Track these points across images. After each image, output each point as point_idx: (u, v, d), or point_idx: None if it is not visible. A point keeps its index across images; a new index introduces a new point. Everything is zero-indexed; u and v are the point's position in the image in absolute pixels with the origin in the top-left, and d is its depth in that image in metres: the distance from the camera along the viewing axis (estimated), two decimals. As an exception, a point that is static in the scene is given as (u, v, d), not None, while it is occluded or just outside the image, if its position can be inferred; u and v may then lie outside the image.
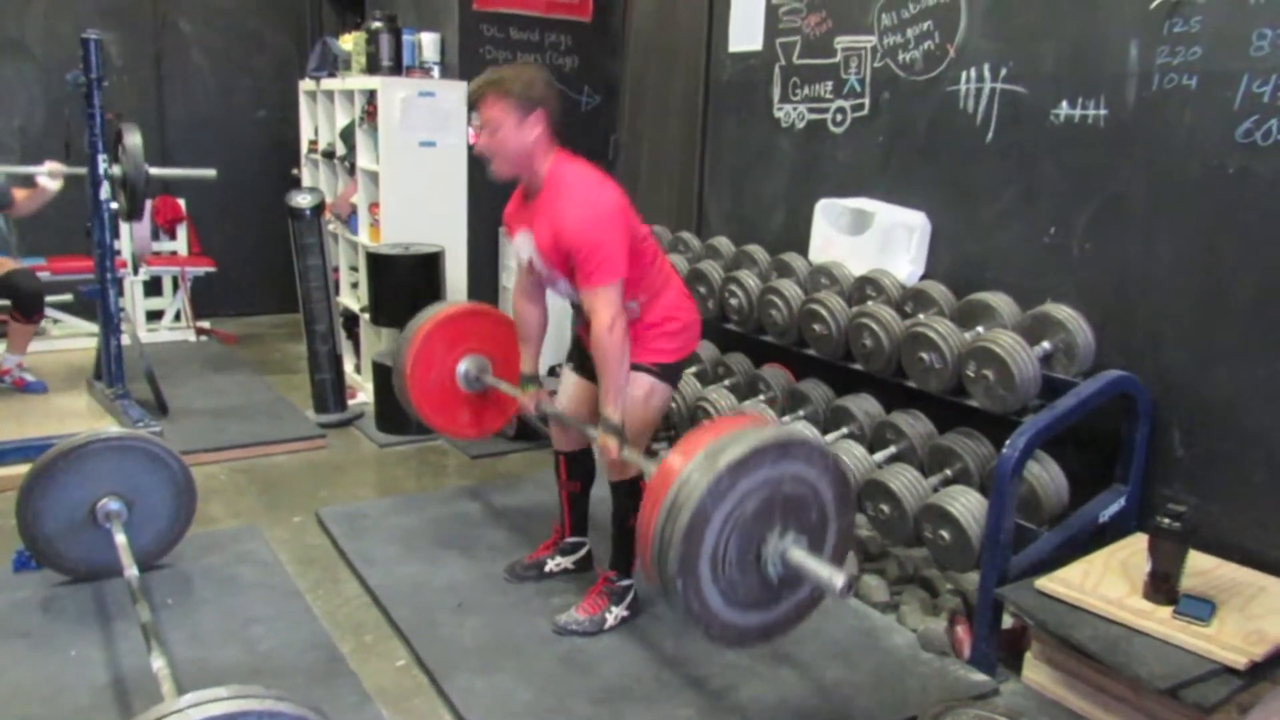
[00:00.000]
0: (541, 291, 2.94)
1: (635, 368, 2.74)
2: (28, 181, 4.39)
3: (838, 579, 1.94)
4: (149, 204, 6.19)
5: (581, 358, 2.95)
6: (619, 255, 2.52)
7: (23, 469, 2.93)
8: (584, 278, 2.54)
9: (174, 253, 6.40)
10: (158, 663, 2.13)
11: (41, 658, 2.61)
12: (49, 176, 4.29)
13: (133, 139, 4.13)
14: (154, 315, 6.24)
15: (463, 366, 3.39)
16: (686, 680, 2.63)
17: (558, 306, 3.04)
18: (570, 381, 3.03)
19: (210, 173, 4.61)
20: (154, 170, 4.23)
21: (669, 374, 2.81)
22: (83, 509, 2.87)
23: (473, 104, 2.66)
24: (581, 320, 2.85)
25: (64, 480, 2.83)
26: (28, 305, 4.57)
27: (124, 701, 2.44)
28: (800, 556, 2.01)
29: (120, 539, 2.75)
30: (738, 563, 2.00)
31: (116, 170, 4.17)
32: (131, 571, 2.57)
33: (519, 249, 2.78)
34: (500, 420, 3.59)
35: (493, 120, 2.57)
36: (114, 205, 4.24)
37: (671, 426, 4.06)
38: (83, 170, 4.18)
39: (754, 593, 2.06)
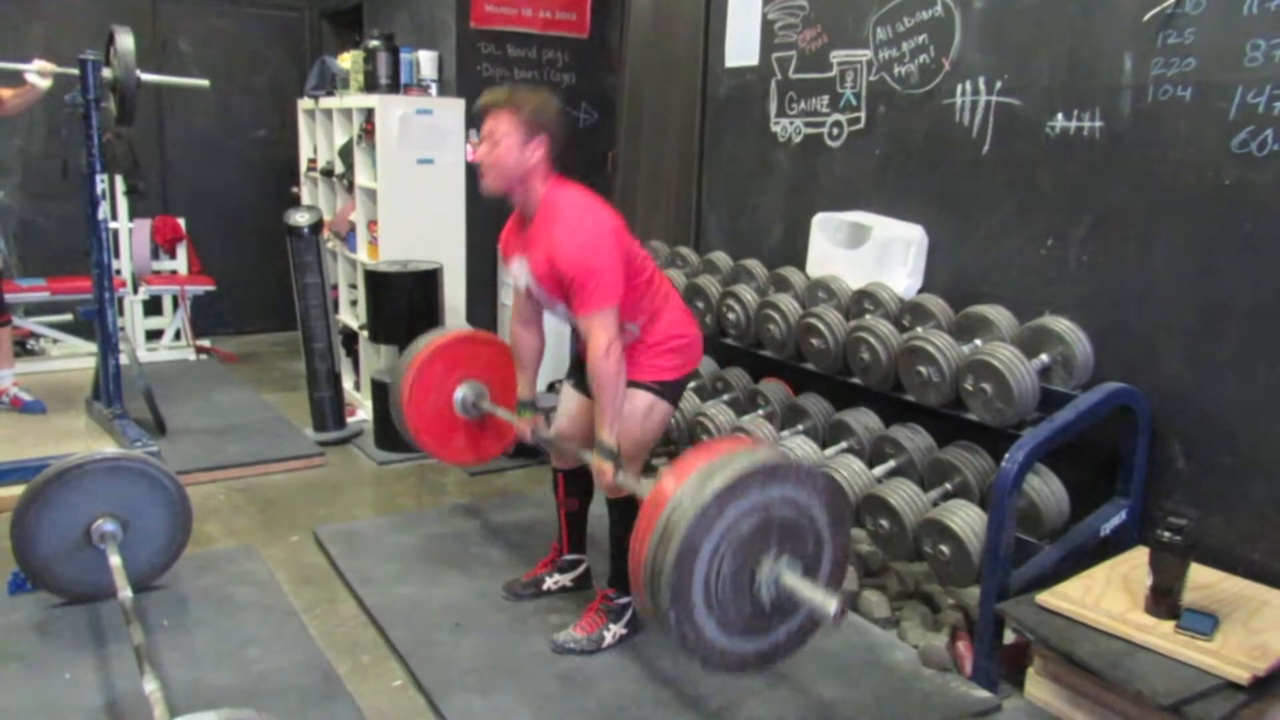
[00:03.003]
0: (539, 318, 2.94)
1: (635, 385, 2.74)
2: (16, 80, 4.22)
3: (830, 605, 1.93)
4: (148, 223, 6.22)
5: (581, 374, 2.94)
6: (613, 280, 2.53)
7: (20, 490, 2.90)
8: (579, 303, 2.55)
9: (174, 271, 6.41)
10: (150, 686, 2.11)
11: (36, 681, 2.59)
12: (39, 74, 4.14)
13: (124, 41, 4.00)
14: (154, 334, 6.24)
15: (460, 392, 3.40)
16: (685, 699, 2.61)
17: (555, 323, 3.03)
18: (570, 398, 3.02)
19: (204, 83, 4.52)
20: (145, 76, 4.08)
21: (670, 392, 2.80)
22: (78, 530, 2.86)
23: (480, 116, 2.66)
24: (580, 340, 2.85)
25: (59, 502, 2.82)
26: None
27: (118, 725, 2.43)
28: (793, 581, 2.00)
29: (115, 560, 2.73)
30: (731, 589, 1.99)
31: (108, 74, 4.05)
32: (126, 593, 2.55)
33: (516, 275, 2.79)
34: (498, 446, 3.59)
35: (496, 133, 2.58)
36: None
37: (671, 442, 4.05)
38: (74, 71, 4.06)
39: (749, 619, 2.05)
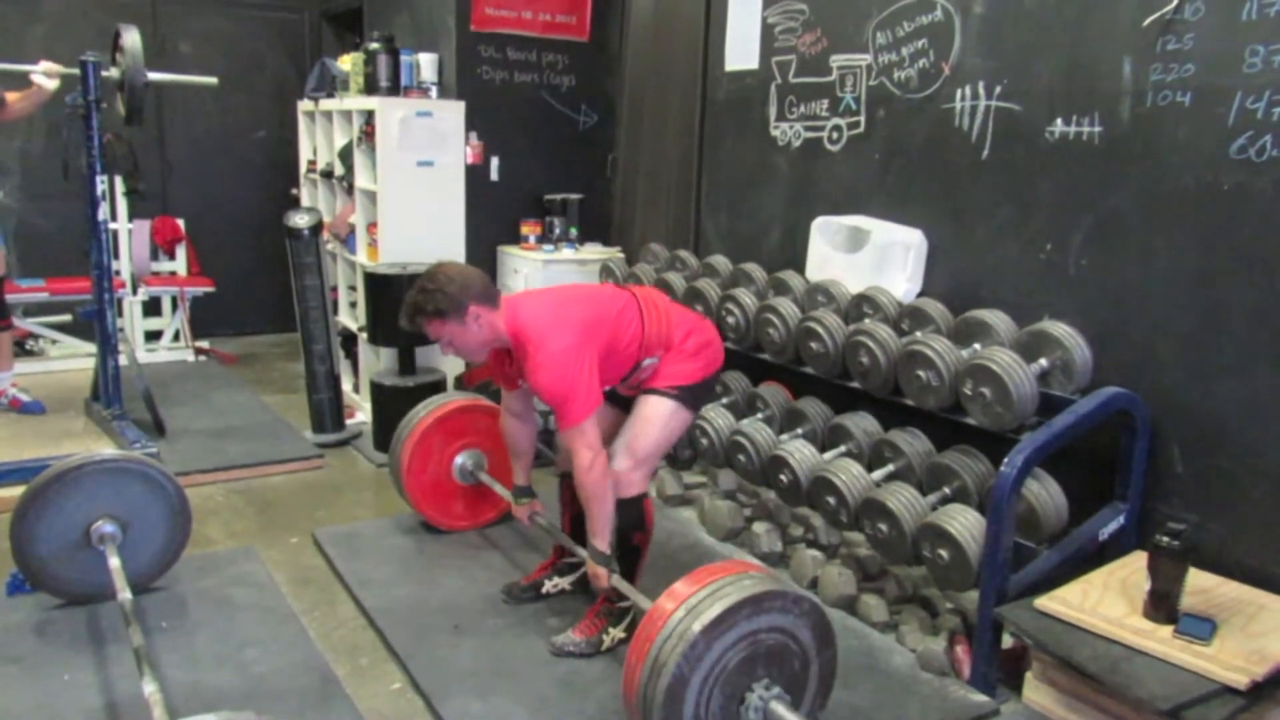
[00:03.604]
0: (529, 409, 3.06)
1: (656, 392, 2.81)
2: (22, 82, 4.12)
3: None
4: (148, 224, 6.22)
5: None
6: (586, 395, 2.62)
7: (19, 490, 2.91)
8: (559, 421, 2.68)
9: (173, 273, 6.41)
10: (149, 687, 2.11)
11: (34, 682, 2.59)
12: (45, 75, 4.03)
13: (131, 38, 3.96)
14: (153, 335, 6.24)
15: (459, 460, 3.48)
16: (684, 702, 2.61)
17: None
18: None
19: (212, 80, 4.49)
20: (153, 75, 4.06)
21: (690, 396, 2.84)
22: (77, 531, 2.86)
23: (418, 330, 2.75)
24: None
25: (58, 503, 2.83)
26: None
27: (116, 727, 2.43)
28: (781, 710, 2.10)
29: (114, 562, 2.74)
30: (721, 718, 2.09)
31: (114, 73, 4.02)
32: (125, 595, 2.56)
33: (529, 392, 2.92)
34: (494, 513, 3.67)
35: (442, 338, 2.72)
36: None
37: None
38: (79, 71, 4.00)
39: None
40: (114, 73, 4.05)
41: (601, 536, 2.71)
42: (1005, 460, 2.61)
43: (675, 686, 2.01)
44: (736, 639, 2.08)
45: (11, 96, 4.15)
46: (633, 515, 2.79)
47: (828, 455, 3.37)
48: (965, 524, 2.76)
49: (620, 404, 2.92)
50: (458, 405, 3.52)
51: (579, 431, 2.61)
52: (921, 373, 3.01)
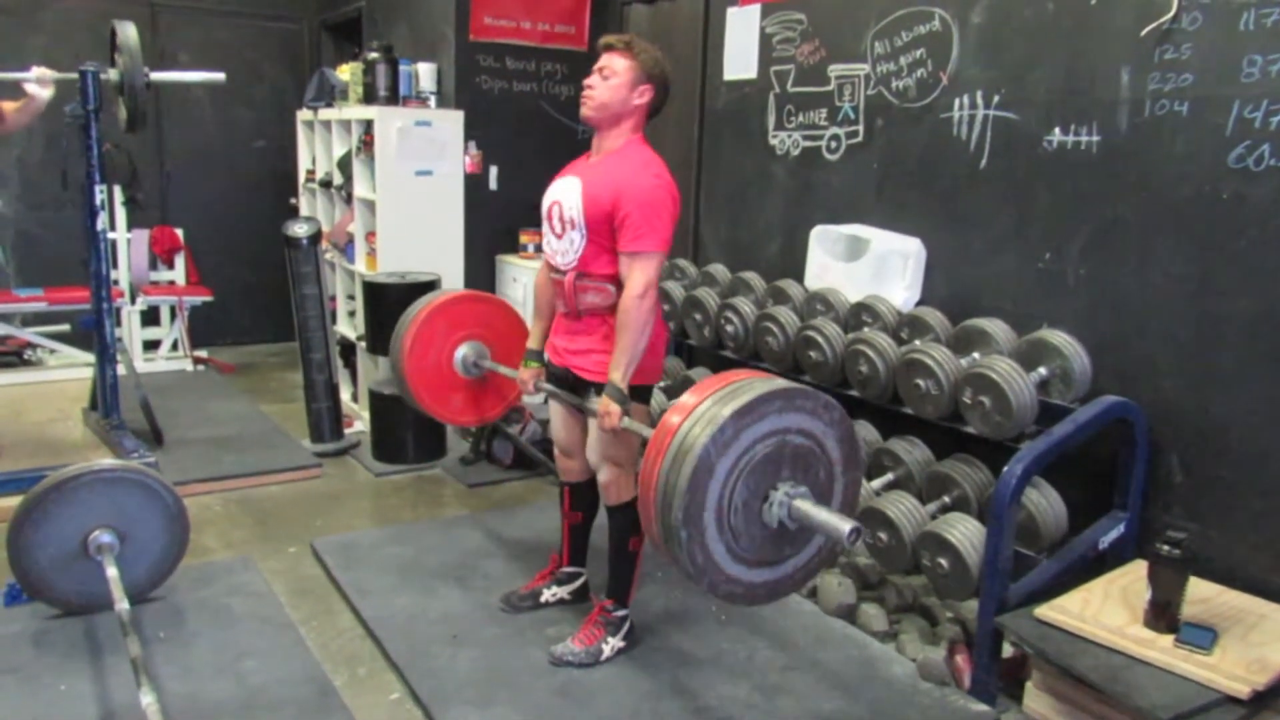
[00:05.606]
0: None
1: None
2: (17, 92, 3.84)
3: (844, 525, 1.93)
4: (146, 233, 6.22)
5: (559, 384, 2.88)
6: (668, 231, 2.59)
7: (16, 500, 2.90)
8: (632, 238, 2.56)
9: (172, 282, 6.41)
10: (147, 699, 2.11)
11: (31, 693, 2.58)
12: (38, 83, 3.80)
13: (127, 34, 3.82)
14: (151, 345, 6.23)
15: (461, 352, 3.38)
16: (684, 712, 2.60)
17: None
18: (559, 411, 3.01)
19: (219, 76, 4.28)
20: (155, 74, 3.93)
21: (637, 393, 2.74)
22: (74, 541, 2.85)
23: (601, 51, 2.72)
24: (564, 303, 2.77)
25: (55, 513, 2.82)
26: None
27: (113, 738, 2.42)
28: (807, 506, 2.00)
29: (111, 572, 2.73)
30: (743, 514, 1.98)
31: (113, 74, 3.92)
32: (122, 605, 2.55)
33: (552, 193, 2.75)
34: (499, 406, 3.54)
35: (609, 69, 2.67)
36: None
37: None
38: (76, 75, 3.91)
39: (760, 548, 2.05)
40: (113, 74, 3.95)
41: (624, 370, 2.54)
42: (1005, 469, 2.60)
43: (700, 472, 1.89)
44: (765, 433, 1.95)
45: (7, 106, 3.97)
46: (629, 520, 2.75)
47: (827, 464, 3.37)
48: (965, 533, 2.76)
49: (582, 413, 2.85)
50: (459, 295, 3.44)
51: (645, 259, 2.54)
52: (921, 381, 3.01)
